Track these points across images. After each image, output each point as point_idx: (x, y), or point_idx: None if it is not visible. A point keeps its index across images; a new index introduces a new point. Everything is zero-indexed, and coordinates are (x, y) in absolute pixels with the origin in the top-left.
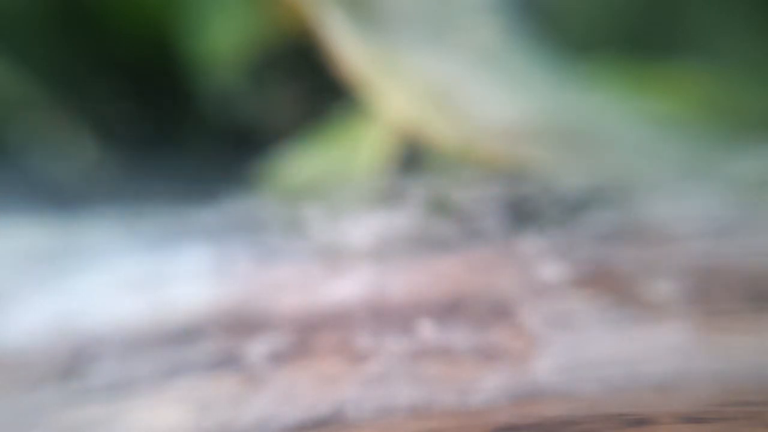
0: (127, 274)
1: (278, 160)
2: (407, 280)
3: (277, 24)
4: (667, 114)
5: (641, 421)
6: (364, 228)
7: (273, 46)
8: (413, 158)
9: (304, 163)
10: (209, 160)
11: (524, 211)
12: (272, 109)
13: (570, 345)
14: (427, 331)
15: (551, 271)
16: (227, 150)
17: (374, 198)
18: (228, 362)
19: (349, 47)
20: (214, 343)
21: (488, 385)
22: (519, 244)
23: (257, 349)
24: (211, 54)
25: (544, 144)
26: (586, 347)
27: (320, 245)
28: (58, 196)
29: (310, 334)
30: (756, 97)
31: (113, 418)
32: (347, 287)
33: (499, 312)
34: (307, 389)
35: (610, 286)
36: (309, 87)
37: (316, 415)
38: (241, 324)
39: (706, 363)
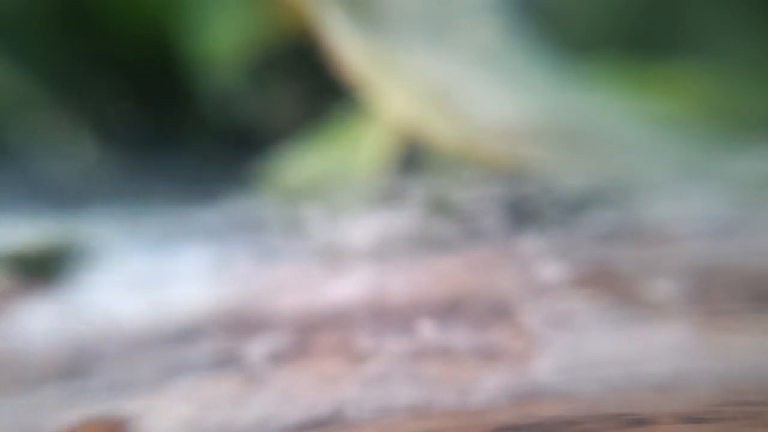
0: (127, 274)
1: (278, 160)
2: (407, 280)
3: (277, 24)
4: (667, 114)
5: (641, 421)
6: (364, 228)
7: (273, 46)
8: (413, 158)
9: (304, 163)
10: (209, 160)
11: (524, 211)
12: (272, 109)
13: (570, 345)
14: (427, 331)
15: (551, 271)
16: (227, 150)
17: (374, 198)
18: (228, 362)
19: (349, 47)
20: (214, 343)
21: (488, 385)
22: (519, 244)
23: (257, 349)
24: (211, 54)
25: (544, 144)
26: (586, 347)
27: (320, 245)
28: (58, 196)
29: (310, 334)
30: (756, 97)
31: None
32: (347, 287)
33: (499, 312)
34: (307, 389)
35: (610, 286)
36: (309, 87)
37: (316, 415)
38: (241, 324)
39: (706, 363)
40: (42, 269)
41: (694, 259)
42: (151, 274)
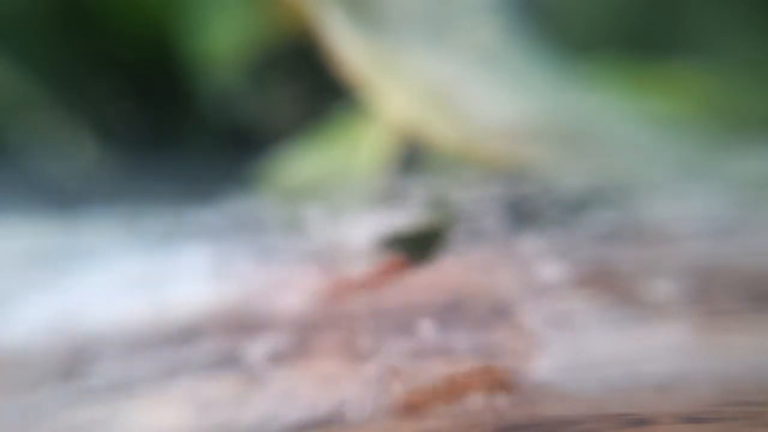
0: (127, 274)
1: (278, 160)
2: (407, 281)
3: (277, 24)
4: (667, 114)
5: (641, 421)
6: (364, 228)
7: (273, 46)
8: (413, 158)
9: (304, 163)
10: (209, 160)
11: (524, 211)
12: (272, 109)
13: (570, 345)
14: (427, 331)
15: (551, 271)
16: (227, 150)
17: (374, 198)
18: (228, 362)
19: (349, 47)
20: (214, 343)
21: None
22: (519, 244)
23: (257, 349)
24: (211, 54)
25: (544, 144)
26: (586, 347)
27: (320, 245)
28: (58, 196)
29: (310, 334)
30: (756, 97)
31: (113, 418)
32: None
33: (499, 312)
34: (307, 389)
35: (610, 286)
36: (309, 87)
37: (316, 415)
38: (241, 324)
39: (706, 363)
40: (419, 249)
41: (694, 259)
42: (151, 274)
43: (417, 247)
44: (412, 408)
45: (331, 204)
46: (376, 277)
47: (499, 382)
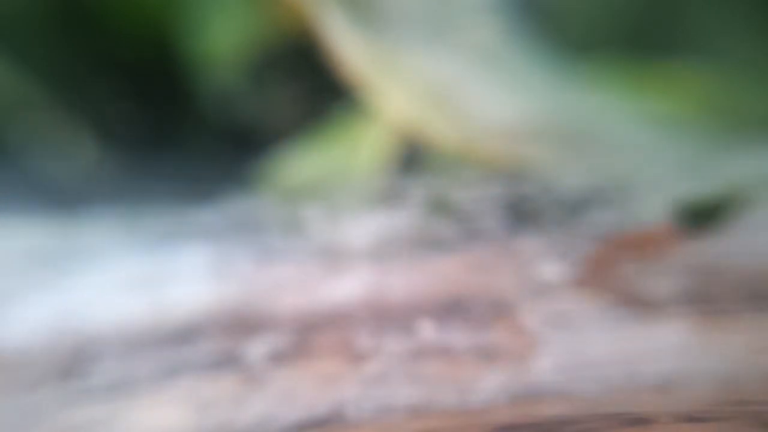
0: (127, 274)
1: (278, 160)
2: (407, 280)
3: (277, 24)
4: (667, 114)
5: (641, 420)
6: (364, 228)
7: (273, 46)
8: (413, 158)
9: (304, 163)
10: (209, 160)
11: (524, 211)
12: (272, 109)
13: (570, 345)
14: (427, 331)
15: (551, 271)
16: (227, 150)
17: (374, 198)
18: (228, 362)
19: (349, 47)
20: (214, 343)
21: (488, 385)
22: (519, 244)
23: (257, 349)
24: (211, 54)
25: (544, 144)
26: (586, 347)
27: (320, 245)
28: (58, 196)
29: (310, 334)
30: (756, 97)
31: (113, 418)
32: (347, 287)
33: (499, 312)
34: (307, 389)
35: (610, 286)
36: (309, 87)
37: (316, 415)
38: (241, 324)
39: (706, 363)
40: (703, 218)
41: (694, 259)
42: (151, 274)
43: (699, 216)
44: None
45: (331, 204)
46: (648, 242)
47: None
